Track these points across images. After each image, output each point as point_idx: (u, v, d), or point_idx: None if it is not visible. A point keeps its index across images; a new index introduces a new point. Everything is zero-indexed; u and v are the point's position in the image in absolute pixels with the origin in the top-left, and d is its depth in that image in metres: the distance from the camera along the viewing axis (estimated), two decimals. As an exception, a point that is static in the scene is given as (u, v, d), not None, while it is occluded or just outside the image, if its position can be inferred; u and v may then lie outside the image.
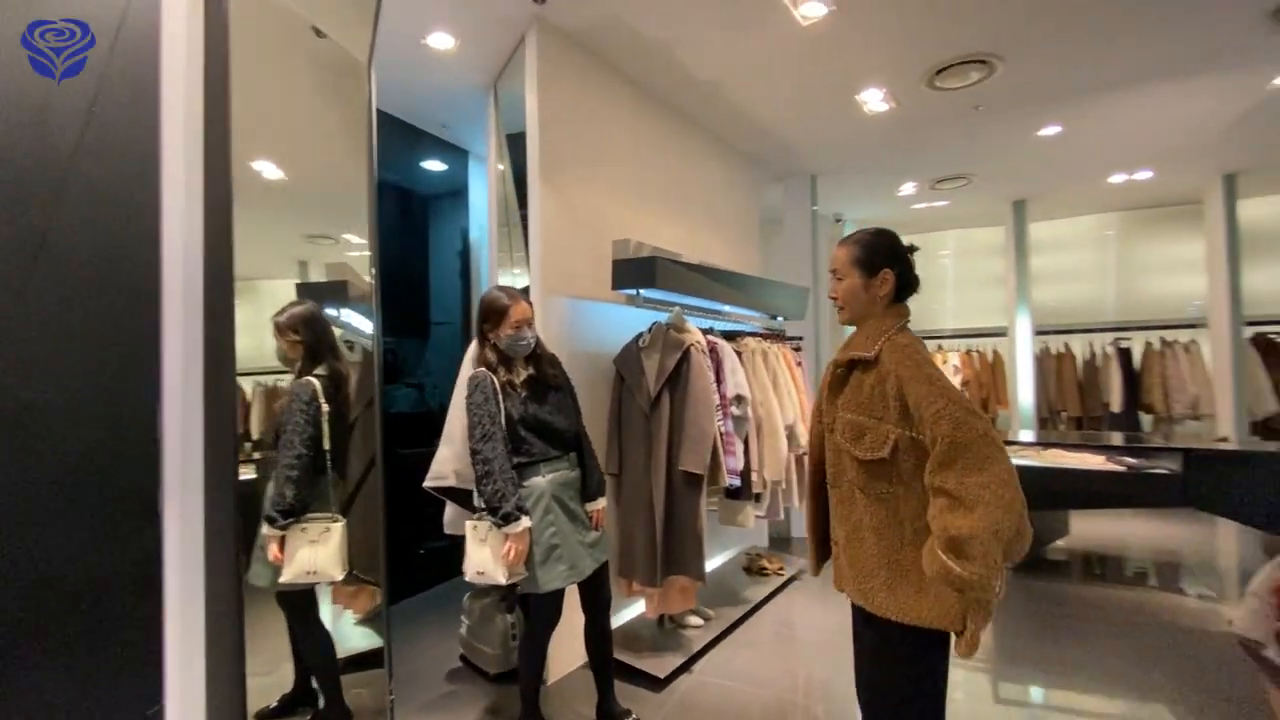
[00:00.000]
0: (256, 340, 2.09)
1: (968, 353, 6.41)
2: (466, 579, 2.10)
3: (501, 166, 3.24)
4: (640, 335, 2.82)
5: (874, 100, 3.61)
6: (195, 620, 1.31)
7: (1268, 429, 5.01)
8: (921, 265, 1.49)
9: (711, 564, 3.54)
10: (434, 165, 4.25)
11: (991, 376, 6.31)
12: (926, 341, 4.82)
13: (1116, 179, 5.26)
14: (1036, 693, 2.59)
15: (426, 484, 2.49)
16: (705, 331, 2.94)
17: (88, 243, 1.22)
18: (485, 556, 1.95)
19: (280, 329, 2.04)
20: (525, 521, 1.90)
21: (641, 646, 2.74)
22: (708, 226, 4.00)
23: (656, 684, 2.52)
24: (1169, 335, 5.63)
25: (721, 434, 2.71)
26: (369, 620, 2.93)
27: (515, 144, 3.16)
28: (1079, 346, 6.07)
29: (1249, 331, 5.18)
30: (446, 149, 4.13)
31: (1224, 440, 4.54)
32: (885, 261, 1.43)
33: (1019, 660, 2.75)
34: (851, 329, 1.50)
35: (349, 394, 2.19)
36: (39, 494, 1.13)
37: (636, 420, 2.72)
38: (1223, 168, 5.02)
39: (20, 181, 1.14)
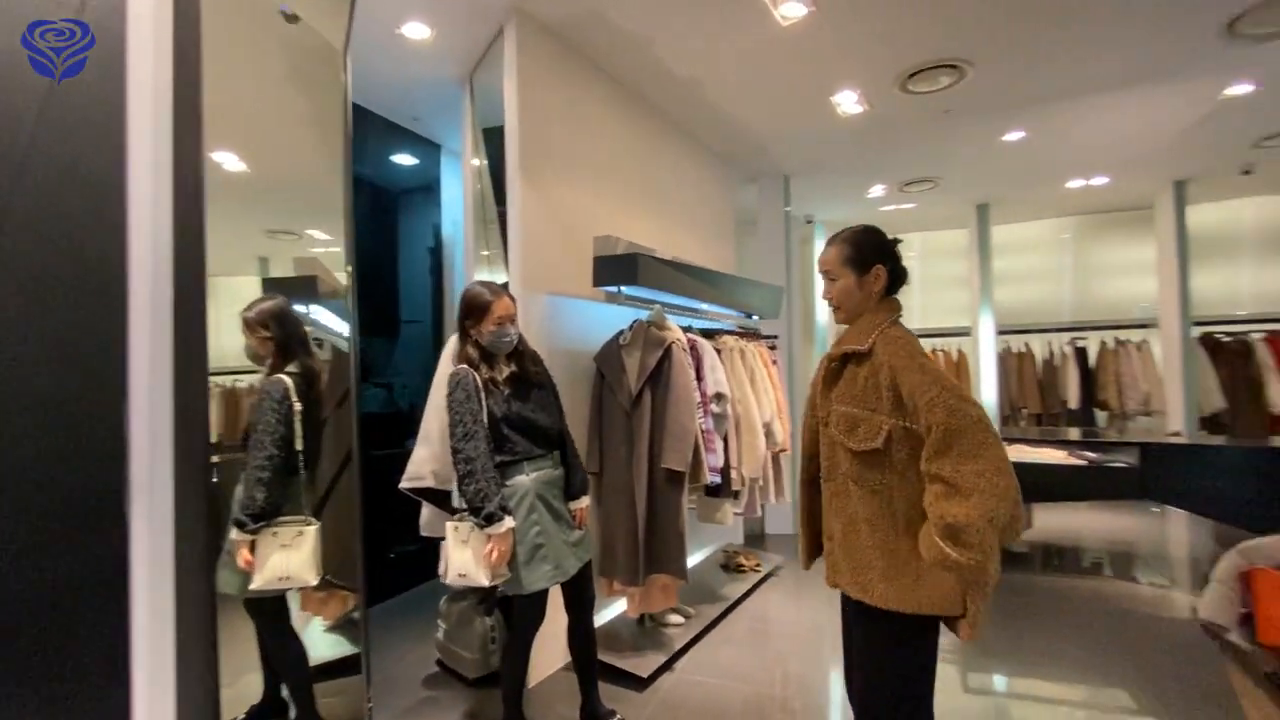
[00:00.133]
0: (214, 340, 2.01)
1: (933, 352, 6.57)
2: (446, 582, 2.05)
3: (477, 161, 3.18)
4: (621, 333, 2.80)
5: (848, 102, 3.66)
6: (165, 630, 1.24)
7: (1214, 424, 5.26)
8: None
9: (689, 562, 3.53)
10: (405, 159, 4.14)
11: (956, 375, 6.48)
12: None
13: (1074, 184, 5.45)
14: (1002, 681, 2.66)
15: (403, 485, 2.42)
16: (684, 329, 2.94)
17: (48, 232, 1.14)
18: (467, 558, 1.90)
19: (249, 325, 1.95)
20: (509, 522, 1.86)
21: (623, 646, 2.72)
22: (685, 225, 4.00)
23: (639, 683, 2.50)
24: (1122, 335, 5.85)
25: (702, 431, 2.71)
26: (340, 627, 2.85)
27: (492, 138, 3.11)
28: (1039, 346, 6.27)
29: (1197, 331, 5.43)
30: (418, 142, 4.03)
31: (1177, 435, 4.74)
32: (876, 258, 1.45)
33: (985, 650, 2.82)
34: (840, 328, 1.52)
35: (321, 392, 2.12)
36: (-7, 497, 1.05)
37: (617, 418, 2.70)
38: (1173, 174, 5.25)
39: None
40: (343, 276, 2.43)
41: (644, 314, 2.87)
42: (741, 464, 3.08)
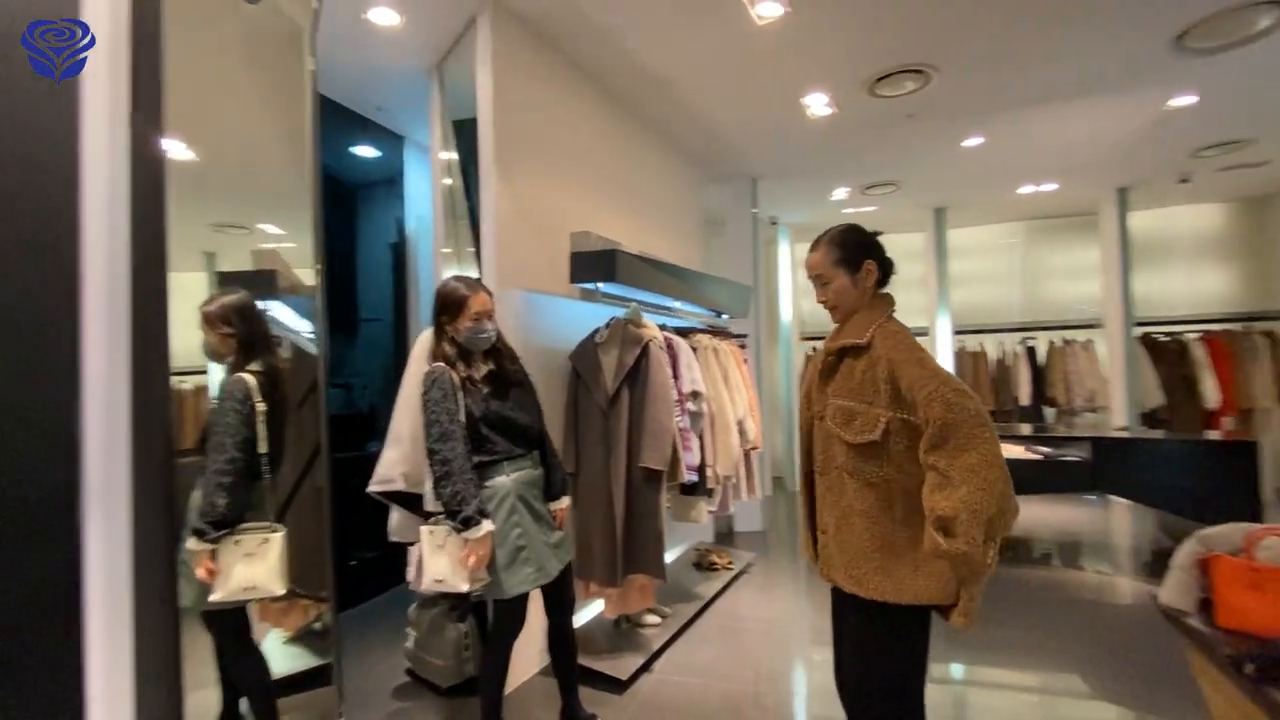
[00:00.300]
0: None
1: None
2: (420, 589, 1.97)
3: (446, 154, 3.08)
4: (597, 331, 2.76)
5: (818, 104, 3.71)
6: (122, 647, 1.14)
7: (1153, 419, 5.54)
8: None
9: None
10: (366, 151, 4.00)
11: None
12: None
13: (1026, 189, 5.67)
14: (958, 670, 2.72)
15: (371, 488, 2.32)
16: (659, 327, 2.91)
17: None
18: (444, 564, 1.83)
19: (210, 320, 1.84)
20: (487, 525, 1.80)
21: (599, 648, 2.68)
22: (656, 224, 3.98)
23: (618, 686, 2.46)
24: (1069, 335, 6.11)
25: (679, 430, 2.69)
26: (301, 638, 2.72)
27: (462, 131, 3.02)
28: (992, 346, 6.50)
29: (1138, 332, 5.71)
30: (381, 134, 3.89)
31: (1125, 430, 4.98)
32: (865, 254, 1.47)
33: (942, 639, 2.88)
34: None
35: (285, 392, 2.01)
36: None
37: (594, 417, 2.65)
38: (1117, 181, 5.52)
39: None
40: (310, 274, 2.32)
41: (620, 312, 2.84)
42: (716, 462, 3.08)
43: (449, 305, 1.97)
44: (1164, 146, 4.51)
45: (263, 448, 1.83)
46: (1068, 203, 6.10)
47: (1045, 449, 4.09)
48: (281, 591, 1.76)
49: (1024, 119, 4.05)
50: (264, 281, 2.43)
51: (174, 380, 1.75)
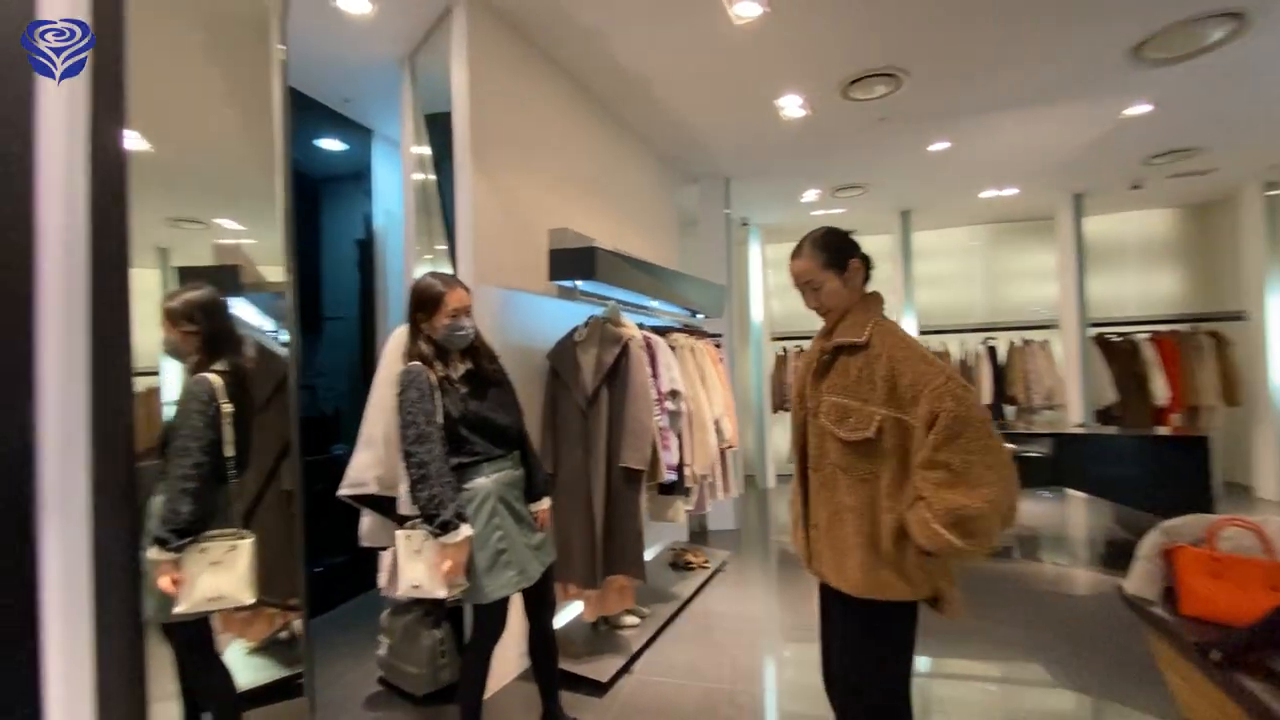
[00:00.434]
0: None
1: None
2: (396, 595, 1.91)
3: (418, 149, 3.00)
4: (575, 329, 2.72)
5: (792, 106, 3.74)
6: (81, 661, 1.06)
7: (1107, 416, 5.77)
8: None
9: (639, 562, 3.51)
10: (331, 144, 3.88)
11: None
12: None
13: (988, 194, 5.83)
14: (924, 662, 2.76)
15: (342, 492, 2.25)
16: (637, 326, 2.90)
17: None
18: (421, 570, 1.78)
19: (172, 316, 1.75)
20: (465, 530, 1.74)
21: (578, 651, 2.65)
22: (633, 222, 3.96)
23: (599, 688, 2.43)
24: (1028, 335, 6.31)
25: (658, 429, 2.68)
26: (266, 649, 2.62)
27: (435, 125, 2.95)
28: (955, 346, 6.67)
29: (1092, 332, 5.93)
30: (348, 126, 3.78)
31: (1082, 426, 5.16)
32: (848, 253, 1.48)
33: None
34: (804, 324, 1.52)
35: (252, 393, 1.92)
36: None
37: (573, 417, 2.62)
38: (1073, 187, 5.73)
39: None
40: (273, 270, 2.23)
41: (598, 310, 2.80)
42: (694, 461, 3.07)
43: (425, 302, 1.91)
44: (1118, 153, 4.70)
45: (229, 451, 1.75)
46: (1027, 207, 6.30)
47: (1009, 445, 4.20)
48: (251, 601, 1.69)
49: (988, 124, 4.16)
50: (226, 277, 2.33)
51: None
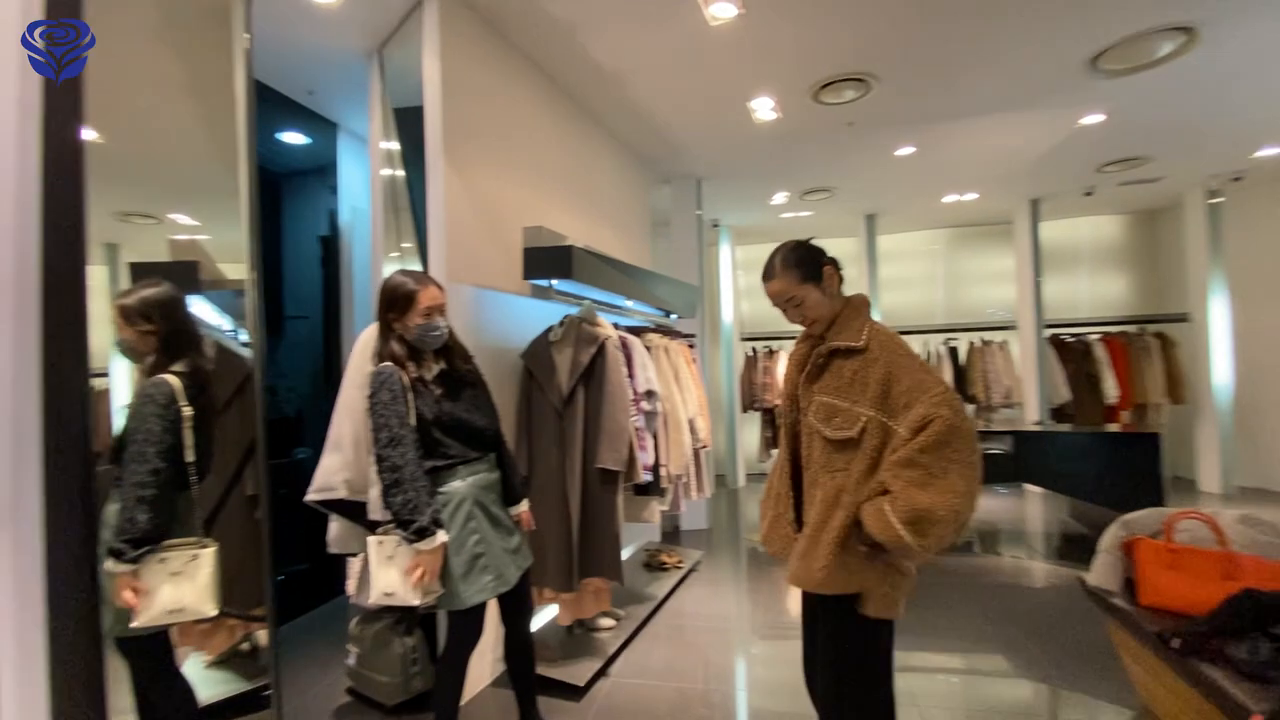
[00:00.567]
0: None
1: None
2: (368, 603, 1.85)
3: (386, 144, 2.93)
4: (550, 329, 2.69)
5: (764, 109, 3.77)
6: (35, 680, 1.00)
7: (1061, 414, 5.98)
8: None
9: (613, 564, 3.49)
10: (294, 137, 3.75)
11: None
12: (785, 342, 5.18)
13: (949, 198, 6.00)
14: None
15: (310, 497, 2.17)
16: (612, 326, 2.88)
17: None
18: (393, 577, 1.72)
19: (127, 314, 1.65)
20: (441, 536, 1.70)
21: (554, 655, 2.61)
22: (607, 222, 3.94)
23: (575, 692, 2.40)
24: (987, 336, 6.51)
25: (635, 429, 2.66)
26: (227, 662, 2.53)
27: (405, 119, 2.88)
28: (917, 346, 6.82)
29: (1048, 333, 6.15)
30: (311, 119, 3.66)
31: (1039, 424, 5.34)
32: (820, 262, 1.49)
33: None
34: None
35: (213, 395, 1.84)
36: None
37: (548, 418, 2.58)
38: (1030, 193, 5.93)
39: None
40: (240, 268, 2.14)
41: (573, 309, 2.78)
42: (669, 461, 3.07)
43: (396, 301, 1.85)
44: (1073, 161, 4.88)
45: (190, 456, 1.67)
46: (986, 212, 6.50)
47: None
48: (214, 613, 1.61)
49: (952, 130, 4.27)
50: (184, 274, 2.23)
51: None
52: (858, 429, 1.33)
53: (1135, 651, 2.05)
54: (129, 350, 1.69)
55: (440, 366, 1.91)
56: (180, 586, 1.56)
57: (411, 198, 2.87)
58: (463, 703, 2.36)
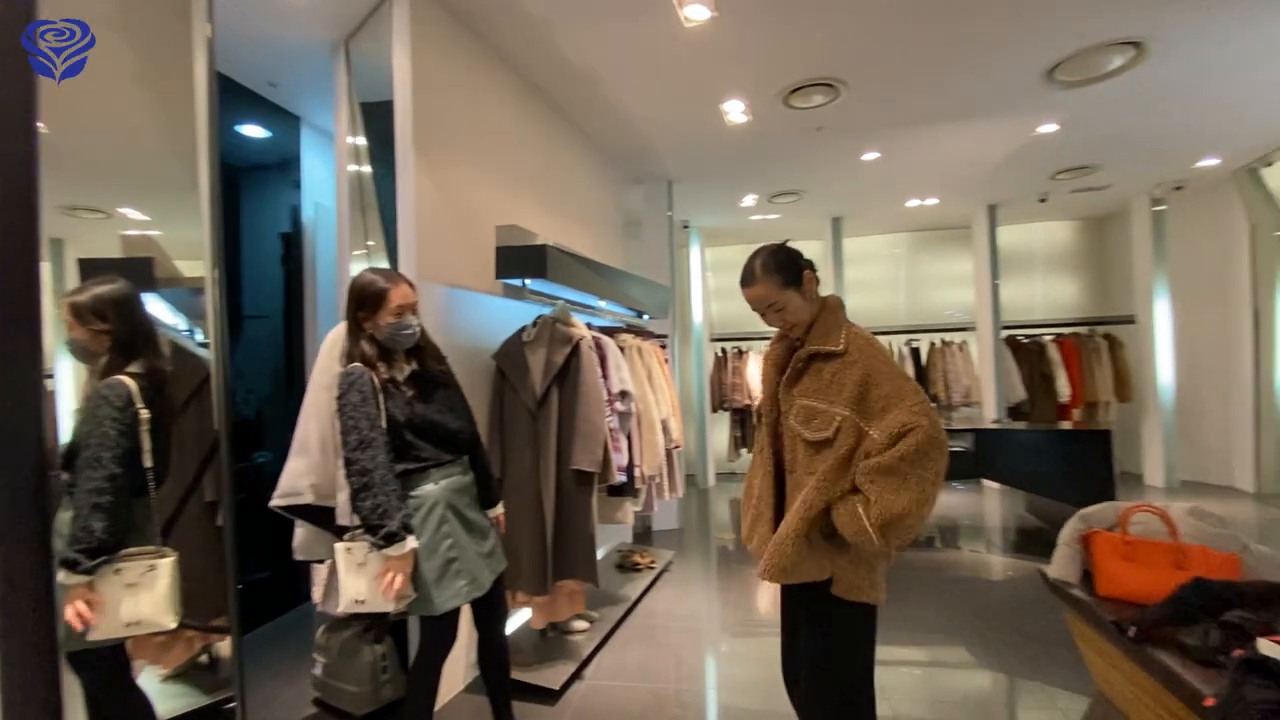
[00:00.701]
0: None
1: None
2: (336, 611, 1.79)
3: (353, 139, 2.85)
4: (524, 329, 2.66)
5: (735, 111, 3.81)
6: (-20, 710, 0.94)
7: (1017, 413, 6.20)
8: None
9: (585, 565, 3.47)
10: (254, 130, 3.63)
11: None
12: (755, 342, 5.24)
13: (912, 203, 6.15)
14: None
15: (275, 503, 2.10)
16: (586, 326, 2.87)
17: None
18: (364, 584, 1.68)
19: (79, 312, 1.57)
20: (411, 542, 1.65)
21: (528, 659, 2.58)
22: (579, 221, 3.92)
23: (550, 696, 2.38)
24: (947, 337, 6.70)
25: (609, 430, 2.65)
26: (185, 675, 2.43)
27: (372, 114, 2.81)
28: (882, 346, 6.97)
29: (1005, 334, 6.36)
30: (273, 112, 3.54)
31: (998, 422, 5.52)
32: (800, 266, 1.50)
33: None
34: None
35: (171, 397, 1.77)
36: None
37: (521, 419, 2.56)
38: (988, 199, 6.13)
39: None
40: (197, 265, 2.06)
41: (545, 309, 2.75)
42: (643, 461, 3.07)
43: (366, 299, 1.81)
44: (1029, 168, 5.06)
45: (148, 461, 1.59)
46: (946, 216, 6.69)
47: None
48: (173, 625, 1.55)
49: (916, 137, 4.39)
50: (138, 271, 2.14)
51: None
52: (833, 428, 1.35)
53: (1092, 640, 2.14)
54: (80, 350, 1.61)
55: (412, 367, 1.87)
56: (138, 598, 1.49)
57: (379, 194, 2.80)
58: (435, 710, 2.32)
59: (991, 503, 5.74)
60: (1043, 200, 5.90)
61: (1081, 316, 6.62)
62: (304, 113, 3.60)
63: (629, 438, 2.91)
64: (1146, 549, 1.99)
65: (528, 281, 2.61)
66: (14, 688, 0.96)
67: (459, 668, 2.45)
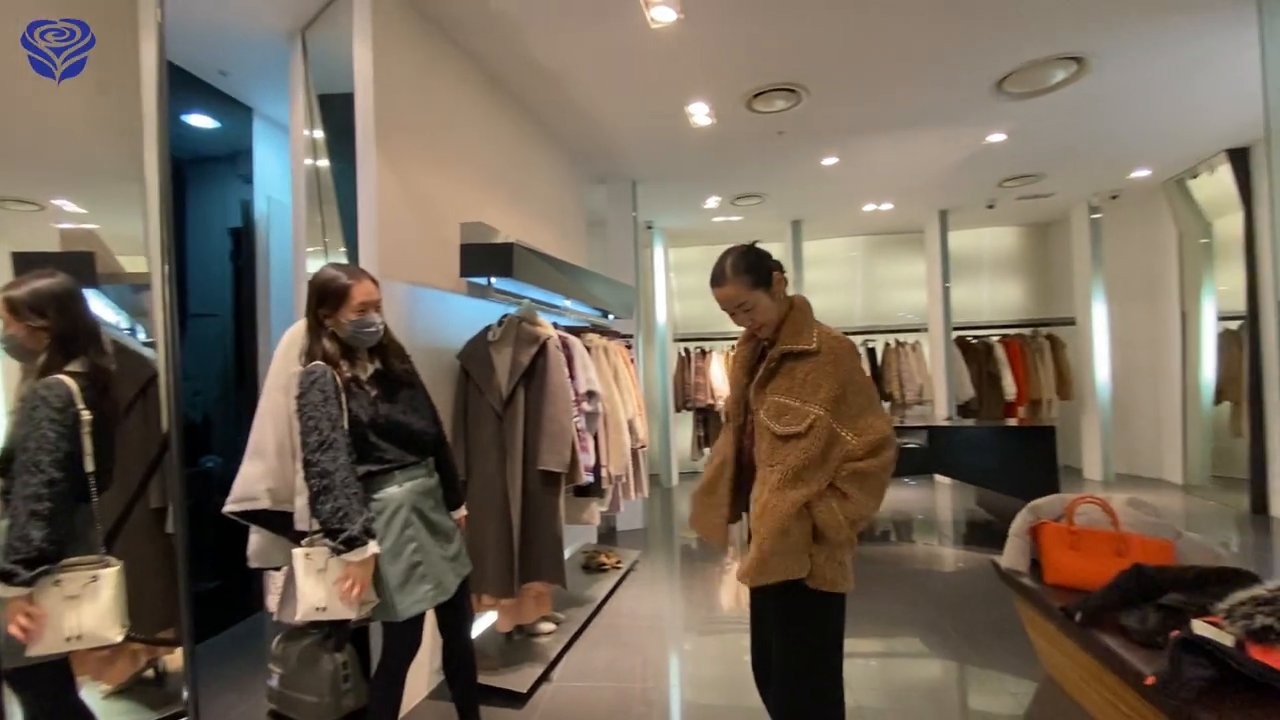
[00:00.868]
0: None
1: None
2: (295, 619, 1.73)
3: (309, 132, 2.76)
4: (489, 328, 2.63)
5: (700, 113, 3.84)
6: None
7: (966, 410, 6.45)
8: None
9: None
10: (202, 120, 3.47)
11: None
12: (718, 343, 5.29)
13: (868, 207, 6.33)
14: None
15: (229, 508, 2.00)
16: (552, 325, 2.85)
17: None
18: (324, 591, 1.62)
19: (15, 307, 1.48)
20: (372, 547, 1.60)
21: (494, 663, 2.55)
22: (542, 220, 3.89)
23: (518, 700, 2.36)
24: (901, 338, 6.91)
25: (576, 430, 2.64)
26: (129, 691, 2.33)
27: (330, 106, 2.73)
28: (840, 347, 7.14)
29: (955, 335, 6.60)
30: (223, 102, 3.40)
31: (949, 419, 5.72)
32: (769, 267, 1.53)
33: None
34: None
35: (115, 398, 1.68)
36: None
37: (486, 420, 2.52)
38: (940, 204, 6.35)
39: None
40: (140, 261, 1.97)
41: (510, 308, 2.72)
42: (609, 462, 3.07)
43: (328, 296, 1.75)
44: (978, 175, 5.27)
45: (89, 465, 1.51)
46: (900, 221, 6.91)
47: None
48: (119, 638, 1.47)
49: (872, 143, 4.52)
50: (78, 265, 2.03)
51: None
52: (805, 425, 1.38)
53: (1040, 626, 2.24)
54: (16, 348, 1.52)
55: (375, 366, 1.82)
56: (80, 610, 1.41)
57: (338, 189, 2.72)
58: (400, 717, 2.27)
59: (943, 497, 5.95)
60: (991, 206, 6.15)
61: (1025, 318, 6.92)
62: (256, 103, 3.47)
63: (595, 438, 2.91)
64: (1090, 538, 2.10)
65: (493, 280, 2.57)
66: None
67: (423, 673, 2.40)
